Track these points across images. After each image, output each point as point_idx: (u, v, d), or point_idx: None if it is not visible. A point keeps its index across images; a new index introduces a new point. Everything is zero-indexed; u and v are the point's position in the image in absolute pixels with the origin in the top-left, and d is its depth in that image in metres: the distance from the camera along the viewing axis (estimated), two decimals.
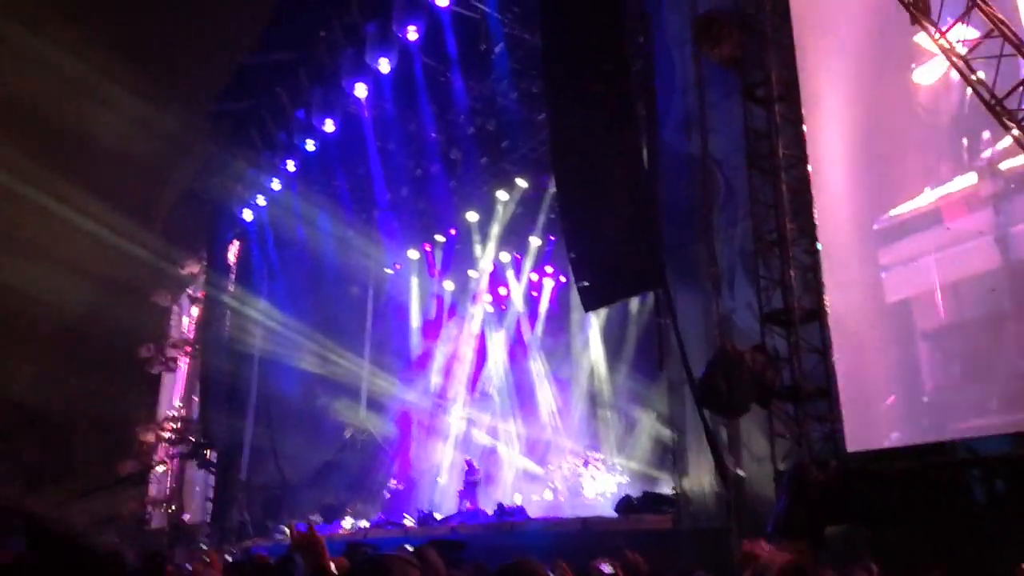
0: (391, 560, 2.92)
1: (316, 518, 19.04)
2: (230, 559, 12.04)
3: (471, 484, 16.43)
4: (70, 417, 28.28)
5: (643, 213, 10.54)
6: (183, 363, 28.41)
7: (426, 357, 21.94)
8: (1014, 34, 6.53)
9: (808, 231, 9.21)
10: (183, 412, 27.04)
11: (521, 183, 18.70)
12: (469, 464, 17.12)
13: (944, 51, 6.95)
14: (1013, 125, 6.75)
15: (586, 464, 15.81)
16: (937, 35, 6.93)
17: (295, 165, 19.46)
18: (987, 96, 6.65)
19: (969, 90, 6.97)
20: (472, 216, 20.17)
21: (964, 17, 6.79)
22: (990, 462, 6.94)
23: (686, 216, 10.69)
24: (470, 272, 21.47)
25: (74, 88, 20.47)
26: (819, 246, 9.07)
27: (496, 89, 16.54)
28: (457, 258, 21.50)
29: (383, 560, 2.95)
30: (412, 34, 14.94)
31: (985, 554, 6.55)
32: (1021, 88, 6.53)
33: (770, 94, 9.42)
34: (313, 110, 17.60)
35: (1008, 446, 6.97)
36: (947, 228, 8.29)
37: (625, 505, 11.51)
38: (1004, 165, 7.76)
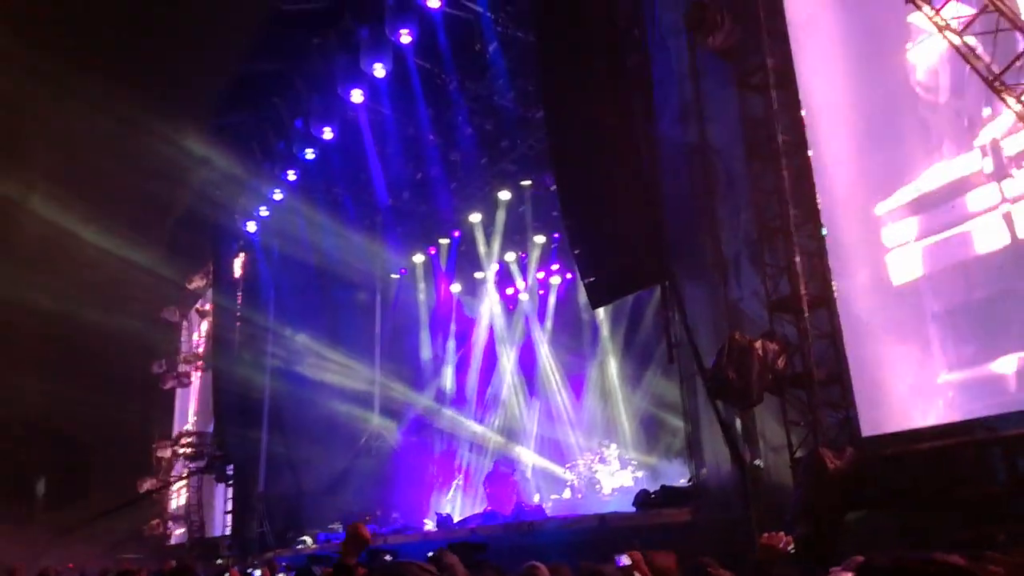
0: (407, 568, 2.91)
1: (336, 526, 19.08)
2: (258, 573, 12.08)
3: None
4: (87, 436, 28.46)
5: (645, 206, 10.49)
6: (195, 377, 28.50)
7: (437, 360, 21.94)
8: (1009, 9, 6.46)
9: (812, 216, 9.15)
10: (197, 427, 27.13)
11: (522, 182, 18.66)
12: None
13: (940, 28, 6.88)
14: (1014, 100, 6.69)
15: (602, 460, 15.77)
16: (932, 12, 6.86)
17: (296, 174, 19.47)
18: (986, 73, 6.58)
19: (967, 67, 6.89)
20: (475, 217, 20.14)
21: None
22: (1011, 440, 6.86)
23: (688, 207, 10.63)
24: (476, 274, 21.45)
25: (78, 109, 20.58)
26: (824, 231, 9.01)
27: (492, 88, 16.51)
28: (462, 260, 21.48)
29: (399, 568, 2.94)
30: (405, 37, 14.90)
31: (1011, 533, 6.49)
32: (1019, 63, 6.46)
33: (766, 81, 9.35)
34: (311, 118, 17.59)
35: None
36: (951, 207, 8.22)
37: (643, 500, 11.47)
38: (1005, 142, 7.68)
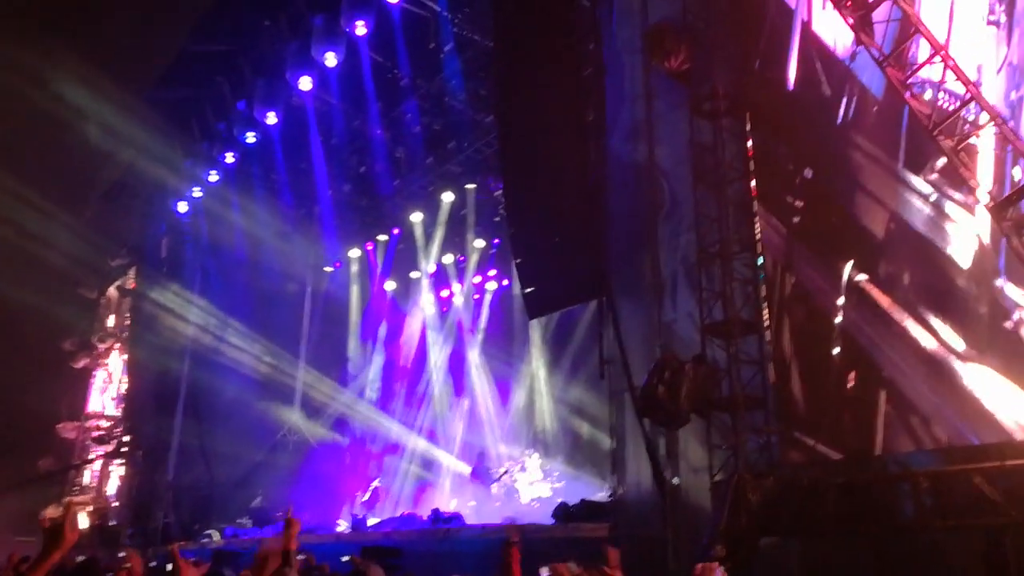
0: None
1: (245, 521, 18.55)
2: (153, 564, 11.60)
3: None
4: None
5: (589, 221, 10.54)
6: (113, 359, 27.40)
7: (365, 359, 21.57)
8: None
9: (750, 245, 9.33)
10: (110, 409, 26.08)
11: (467, 184, 18.53)
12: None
13: (888, 73, 7.10)
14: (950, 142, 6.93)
15: (523, 469, 15.74)
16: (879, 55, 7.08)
17: (234, 157, 18.94)
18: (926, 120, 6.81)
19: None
20: (416, 216, 19.91)
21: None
22: (919, 476, 7.09)
23: (631, 225, 10.71)
24: (412, 273, 21.20)
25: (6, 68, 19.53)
26: (760, 260, 9.19)
27: (444, 88, 16.39)
28: (400, 258, 21.18)
29: None
30: (360, 29, 14.69)
31: (911, 566, 6.70)
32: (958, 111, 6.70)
33: (717, 108, 9.51)
34: (255, 102, 17.14)
35: (934, 461, 7.15)
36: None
37: (562, 513, 11.46)
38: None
